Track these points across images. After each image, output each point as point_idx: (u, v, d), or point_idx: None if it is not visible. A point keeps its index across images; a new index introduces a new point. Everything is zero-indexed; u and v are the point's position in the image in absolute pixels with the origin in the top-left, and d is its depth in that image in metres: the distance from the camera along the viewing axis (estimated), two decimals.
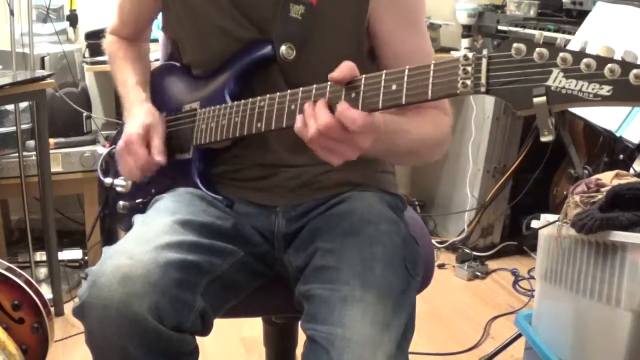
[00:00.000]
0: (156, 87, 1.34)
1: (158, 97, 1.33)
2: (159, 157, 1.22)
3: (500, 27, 2.76)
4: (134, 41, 1.43)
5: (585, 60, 0.81)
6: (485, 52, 0.88)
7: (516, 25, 2.67)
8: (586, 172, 2.19)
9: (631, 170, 1.92)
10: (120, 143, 1.24)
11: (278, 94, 1.08)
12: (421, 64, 1.07)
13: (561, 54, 0.82)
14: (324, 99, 0.99)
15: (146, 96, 1.31)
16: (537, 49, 0.84)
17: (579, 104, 0.82)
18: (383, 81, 0.96)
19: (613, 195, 1.49)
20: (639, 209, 1.45)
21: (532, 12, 2.79)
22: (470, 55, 0.88)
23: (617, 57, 0.81)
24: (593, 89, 0.81)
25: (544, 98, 0.83)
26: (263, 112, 1.10)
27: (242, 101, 1.14)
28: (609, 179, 1.61)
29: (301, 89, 1.05)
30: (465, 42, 3.01)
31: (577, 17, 2.53)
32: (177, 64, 1.33)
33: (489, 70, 0.87)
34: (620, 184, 1.55)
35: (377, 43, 1.21)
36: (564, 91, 0.82)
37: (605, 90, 0.80)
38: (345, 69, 0.98)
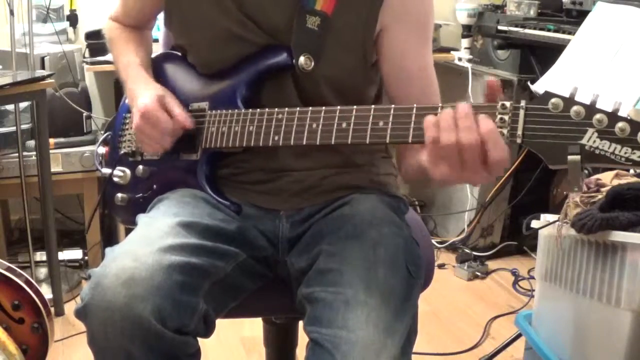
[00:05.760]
0: (159, 78, 1.30)
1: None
2: (187, 122, 1.18)
3: (500, 27, 2.75)
4: (136, 28, 1.41)
5: (620, 124, 0.84)
6: (523, 103, 0.90)
7: (516, 26, 2.67)
8: (586, 172, 2.19)
9: (631, 170, 1.92)
10: (136, 119, 1.19)
11: (298, 109, 1.08)
12: (425, 82, 1.06)
13: (597, 115, 0.85)
14: (471, 109, 0.92)
15: (151, 77, 1.28)
16: (574, 107, 0.86)
17: (610, 165, 0.85)
18: (414, 116, 0.97)
19: (613, 195, 1.49)
20: (639, 209, 1.45)
21: (532, 12, 2.79)
22: (507, 104, 0.90)
23: None
24: (625, 153, 0.84)
25: (578, 157, 0.86)
26: (281, 126, 1.09)
27: (258, 110, 1.14)
28: (609, 179, 1.61)
29: (324, 108, 1.05)
30: (465, 42, 3.01)
31: (577, 17, 2.53)
32: (179, 54, 1.31)
33: (525, 122, 0.89)
34: (620, 184, 1.55)
35: (384, 57, 1.21)
36: (597, 151, 0.85)
37: (637, 155, 0.84)
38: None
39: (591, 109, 0.86)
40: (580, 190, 0.88)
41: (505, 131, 0.90)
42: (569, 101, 0.87)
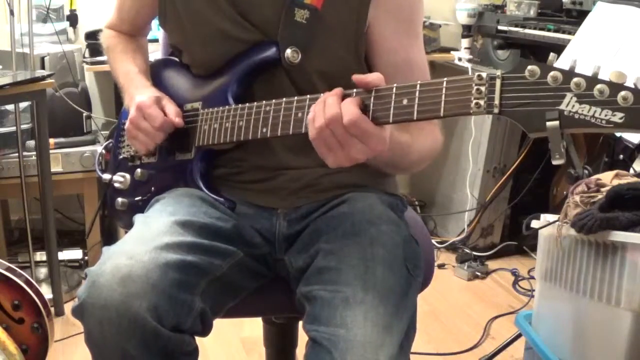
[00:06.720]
0: (156, 82, 1.34)
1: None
2: (178, 119, 1.21)
3: (500, 27, 2.76)
4: (132, 36, 1.43)
5: (598, 86, 0.82)
6: (498, 72, 0.88)
7: (516, 25, 2.67)
8: (586, 172, 2.19)
9: (631, 170, 1.92)
10: (132, 112, 1.22)
11: (284, 99, 1.08)
12: (417, 75, 1.07)
13: (575, 79, 0.83)
14: (341, 90, 0.99)
15: (150, 84, 1.31)
16: (552, 73, 0.84)
17: (591, 129, 0.83)
18: (394, 95, 0.96)
19: (613, 195, 1.48)
20: (639, 209, 1.45)
21: (532, 12, 2.79)
22: (484, 75, 0.89)
23: (629, 83, 0.82)
24: (606, 116, 0.82)
25: (556, 122, 0.84)
26: (269, 118, 1.10)
27: (247, 104, 1.14)
28: (609, 179, 1.61)
29: (308, 96, 1.05)
30: (465, 42, 3.01)
31: (577, 17, 2.53)
32: (176, 59, 1.33)
33: (502, 92, 0.87)
34: (620, 184, 1.55)
35: (375, 51, 1.21)
36: (576, 116, 0.83)
37: (618, 117, 0.81)
38: (374, 75, 0.99)
39: (569, 73, 0.84)
40: (562, 157, 0.85)
41: (482, 102, 0.88)
42: (546, 68, 0.85)
